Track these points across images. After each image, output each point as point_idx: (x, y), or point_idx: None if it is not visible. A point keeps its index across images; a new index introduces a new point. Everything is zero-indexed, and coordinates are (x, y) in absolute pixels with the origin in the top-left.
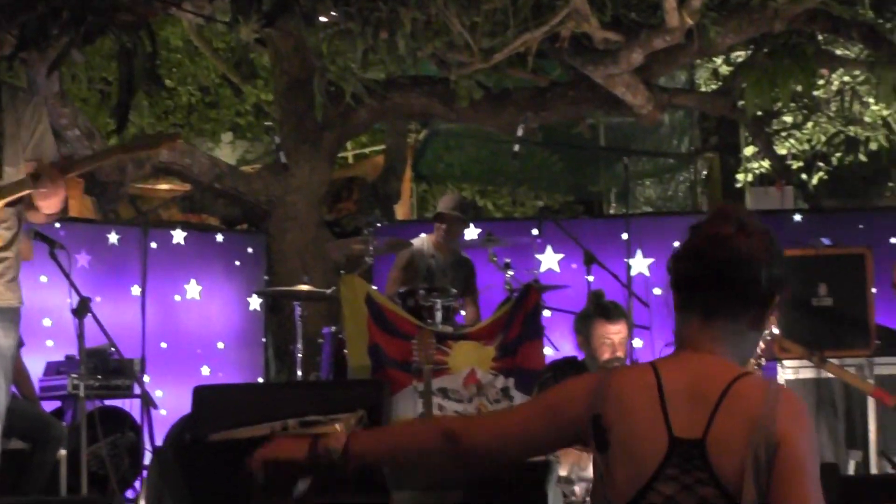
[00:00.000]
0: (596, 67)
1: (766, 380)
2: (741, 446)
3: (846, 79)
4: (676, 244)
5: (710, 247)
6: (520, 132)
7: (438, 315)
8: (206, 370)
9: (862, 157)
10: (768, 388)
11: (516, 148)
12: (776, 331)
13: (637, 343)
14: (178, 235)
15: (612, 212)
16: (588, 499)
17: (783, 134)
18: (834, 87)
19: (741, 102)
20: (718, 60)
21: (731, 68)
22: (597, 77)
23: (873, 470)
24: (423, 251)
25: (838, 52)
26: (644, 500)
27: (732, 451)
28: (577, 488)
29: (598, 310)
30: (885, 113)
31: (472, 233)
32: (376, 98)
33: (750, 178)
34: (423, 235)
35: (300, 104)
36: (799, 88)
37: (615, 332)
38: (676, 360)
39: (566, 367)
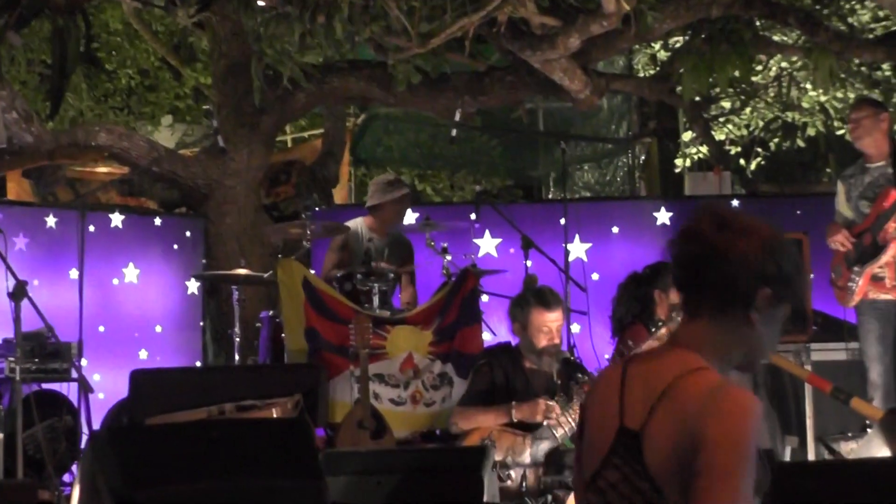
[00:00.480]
0: (533, 52)
1: (715, 379)
2: (670, 443)
3: (784, 64)
4: (615, 229)
5: (683, 242)
6: (457, 117)
7: (376, 299)
8: (143, 354)
9: (800, 143)
10: (710, 388)
11: (454, 132)
12: None
13: (575, 328)
14: (117, 219)
15: (550, 196)
16: (524, 483)
17: (721, 119)
18: (772, 73)
19: (679, 88)
20: (657, 46)
21: (669, 54)
22: (534, 62)
23: (810, 456)
24: (360, 234)
25: (776, 37)
26: (595, 484)
27: (662, 448)
28: (513, 473)
29: (536, 298)
30: (822, 99)
31: (410, 217)
32: (314, 82)
33: (688, 163)
34: (358, 219)
35: (238, 88)
36: (736, 74)
37: (553, 319)
38: (653, 354)
39: (501, 352)
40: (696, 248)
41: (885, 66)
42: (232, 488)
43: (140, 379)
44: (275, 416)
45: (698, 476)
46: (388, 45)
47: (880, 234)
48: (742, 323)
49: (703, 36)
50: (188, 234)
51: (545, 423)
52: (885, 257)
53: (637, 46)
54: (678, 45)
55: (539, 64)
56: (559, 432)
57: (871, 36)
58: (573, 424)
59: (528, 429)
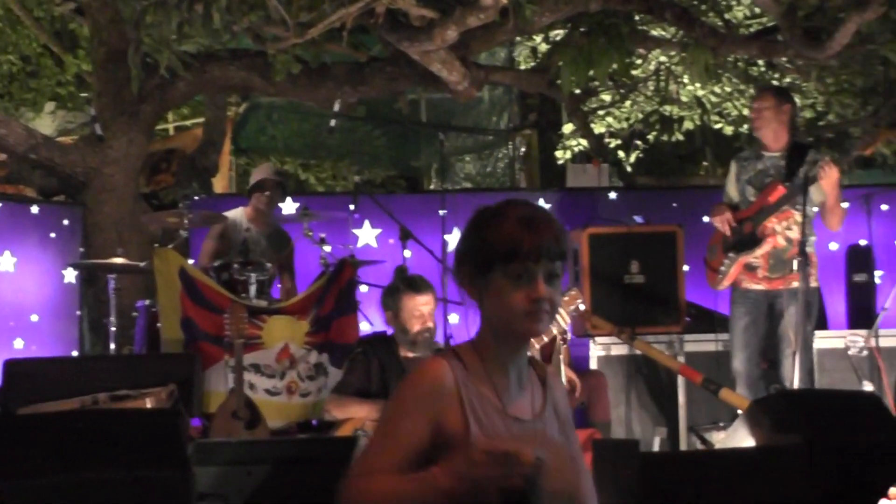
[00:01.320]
0: (411, 44)
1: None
2: None
3: (663, 59)
4: None
5: None
6: (337, 107)
7: (253, 289)
8: (19, 343)
9: (679, 136)
10: None
11: (333, 122)
12: (582, 307)
13: (453, 319)
14: None
15: (432, 187)
16: None
17: (601, 112)
18: (652, 67)
19: (558, 81)
20: (538, 39)
21: (549, 47)
22: (413, 53)
23: (683, 446)
24: (238, 224)
25: (655, 32)
26: None
27: None
28: None
29: (406, 283)
30: (700, 93)
31: (289, 207)
32: (195, 71)
33: (569, 155)
34: (238, 209)
35: (118, 76)
36: (614, 68)
37: (424, 303)
38: None
39: (376, 342)
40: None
41: (760, 62)
42: (97, 479)
43: (14, 368)
44: (148, 405)
45: None
46: (266, 35)
47: (760, 227)
48: (477, 306)
49: (581, 30)
50: (66, 222)
51: None
52: (761, 250)
53: (518, 39)
54: (559, 38)
55: (418, 55)
56: None
57: (745, 32)
58: None
59: None
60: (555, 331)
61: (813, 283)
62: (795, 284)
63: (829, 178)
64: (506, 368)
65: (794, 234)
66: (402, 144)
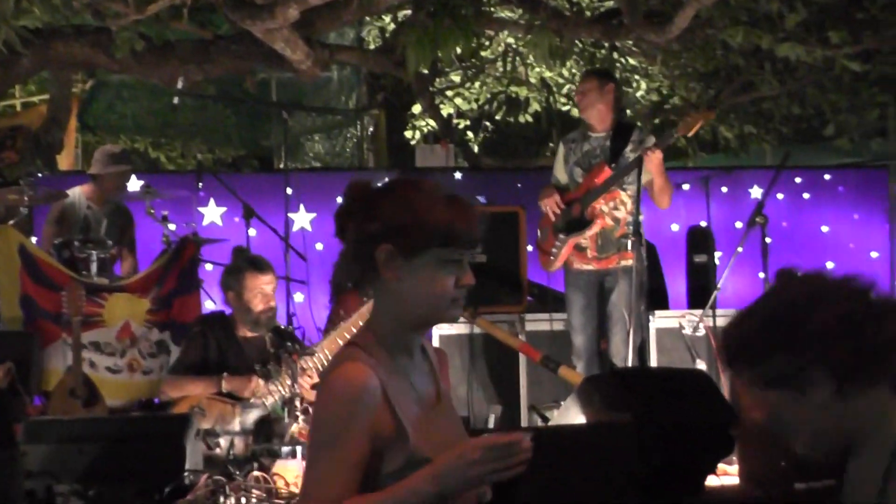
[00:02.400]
0: (254, 22)
1: (342, 352)
2: None
3: (511, 40)
4: (340, 200)
5: None
6: (180, 85)
7: (94, 266)
8: None
9: (528, 118)
10: (328, 368)
11: (176, 100)
12: None
13: (298, 297)
14: None
15: (281, 167)
16: (231, 451)
17: (450, 93)
18: (501, 48)
19: (405, 61)
20: (387, 19)
21: (396, 27)
22: (256, 32)
23: (524, 424)
24: (78, 202)
25: (501, 14)
26: None
27: None
28: (223, 441)
29: (249, 263)
30: (547, 74)
31: (133, 185)
32: (37, 47)
33: (419, 135)
34: (77, 188)
35: None
36: (459, 50)
37: (267, 282)
38: None
39: (213, 321)
40: (341, 207)
41: (607, 45)
42: None
43: None
44: None
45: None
46: (106, 11)
47: (588, 209)
48: (382, 288)
49: (427, 10)
50: None
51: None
52: (590, 231)
53: (368, 19)
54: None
55: (261, 34)
56: (269, 401)
57: (588, 14)
58: (283, 393)
59: (239, 398)
60: None
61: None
62: (624, 263)
63: (652, 161)
64: (411, 354)
65: (621, 213)
66: (252, 124)
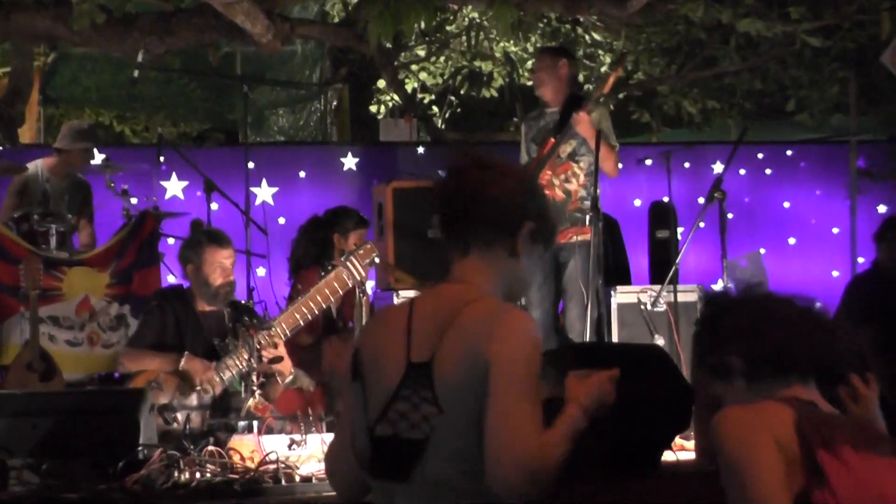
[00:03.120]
0: None
1: (495, 304)
2: (457, 368)
3: (475, 15)
4: (302, 174)
5: (449, 181)
6: (140, 58)
7: (53, 240)
8: None
9: (493, 92)
10: (491, 312)
11: (136, 73)
12: (377, 260)
13: (261, 272)
14: None
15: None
16: (188, 425)
17: (414, 67)
18: (466, 23)
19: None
20: None
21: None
22: (216, 5)
23: None
24: (38, 175)
25: None
26: (385, 418)
27: (450, 374)
28: (179, 415)
29: (208, 237)
30: (513, 49)
31: (97, 158)
32: None
33: (383, 109)
34: (38, 160)
35: None
36: (422, 24)
37: (226, 256)
38: (434, 291)
39: (171, 294)
40: (464, 186)
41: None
42: None
43: None
44: None
45: (490, 398)
46: None
47: (538, 180)
48: (506, 257)
49: None
50: None
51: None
52: None
53: None
54: None
55: (221, 7)
56: (226, 375)
57: None
58: (240, 368)
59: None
60: (350, 283)
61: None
62: (581, 238)
63: (579, 124)
64: None
65: (573, 185)
66: (218, 97)
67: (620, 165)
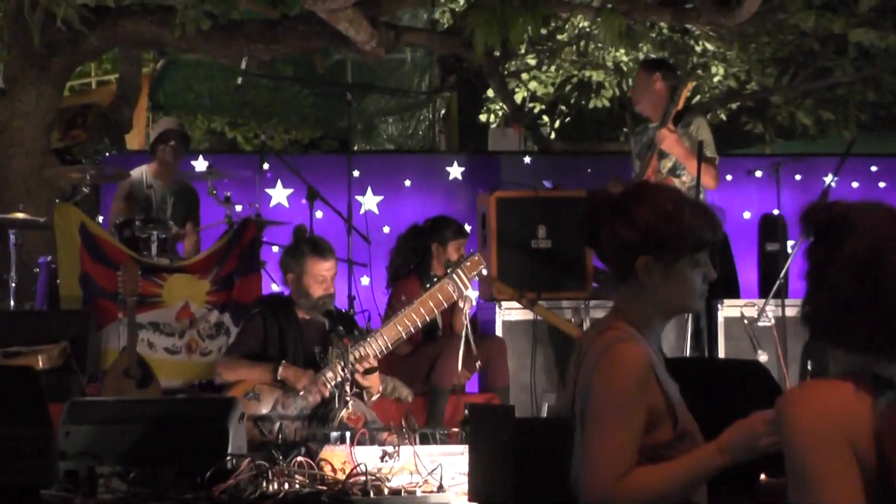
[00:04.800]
0: (315, 1)
1: (612, 336)
2: (579, 397)
3: (585, 24)
4: (407, 182)
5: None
6: (244, 65)
7: (154, 247)
8: None
9: (604, 102)
10: (605, 344)
11: (239, 80)
12: (485, 272)
13: (364, 281)
14: None
15: (356, 148)
16: (281, 435)
17: (525, 76)
18: (577, 31)
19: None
20: (462, 0)
21: (464, 7)
22: (319, 11)
23: None
24: (142, 181)
25: None
26: None
27: (578, 401)
28: (276, 427)
29: (310, 246)
30: (623, 58)
31: (201, 165)
32: (104, 25)
33: (493, 118)
34: (142, 166)
35: (29, 28)
36: (529, 32)
37: (328, 268)
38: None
39: (275, 302)
40: (590, 215)
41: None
42: None
43: None
44: (41, 363)
45: (586, 423)
46: None
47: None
48: (619, 280)
49: None
50: None
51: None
52: None
53: (442, 0)
54: None
55: (325, 14)
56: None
57: None
58: (336, 378)
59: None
60: (455, 296)
61: None
62: None
63: (666, 142)
64: (656, 339)
65: None
66: (329, 105)
67: (729, 177)
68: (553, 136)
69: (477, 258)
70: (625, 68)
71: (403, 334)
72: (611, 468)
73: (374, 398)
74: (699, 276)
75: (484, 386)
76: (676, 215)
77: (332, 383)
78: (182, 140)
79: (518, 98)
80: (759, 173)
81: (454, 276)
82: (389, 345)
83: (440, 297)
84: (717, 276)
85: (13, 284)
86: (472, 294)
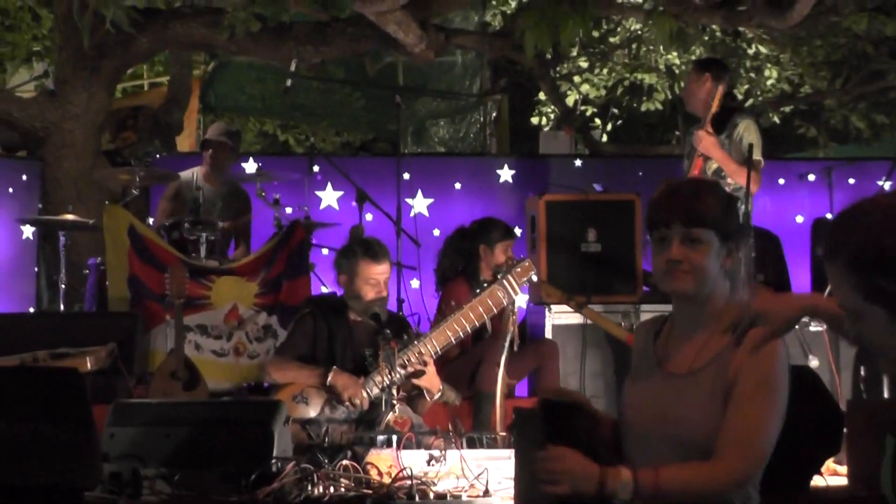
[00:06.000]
0: (363, 3)
1: None
2: None
3: (637, 26)
4: (458, 185)
5: None
6: (293, 67)
7: (203, 249)
8: None
9: (658, 105)
10: None
11: (289, 83)
12: (535, 278)
13: (414, 284)
14: None
15: (406, 151)
16: (327, 438)
17: (577, 79)
18: (629, 34)
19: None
20: (513, 3)
21: (515, 10)
22: (367, 13)
23: None
24: (191, 183)
25: None
26: None
27: None
28: (322, 430)
29: (364, 249)
30: (675, 61)
31: (251, 167)
32: (154, 28)
33: (545, 121)
34: (193, 168)
35: (79, 30)
36: (580, 34)
37: (381, 272)
38: None
39: (325, 303)
40: None
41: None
42: None
43: None
44: (88, 364)
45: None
46: None
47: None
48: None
49: None
50: (24, 177)
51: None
52: None
53: (494, 2)
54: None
55: (373, 16)
56: (374, 391)
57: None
58: (384, 382)
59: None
60: (504, 302)
61: None
62: None
63: (702, 144)
64: (685, 320)
65: None
66: (380, 107)
67: (781, 181)
68: (605, 139)
69: (527, 264)
70: (677, 71)
71: (453, 339)
72: (765, 449)
73: (436, 397)
74: (662, 255)
75: (535, 389)
76: (655, 195)
77: (379, 387)
78: (223, 149)
79: (569, 101)
80: (811, 177)
81: (504, 281)
82: (438, 349)
83: (490, 303)
84: (763, 278)
85: (62, 286)
86: (522, 299)
